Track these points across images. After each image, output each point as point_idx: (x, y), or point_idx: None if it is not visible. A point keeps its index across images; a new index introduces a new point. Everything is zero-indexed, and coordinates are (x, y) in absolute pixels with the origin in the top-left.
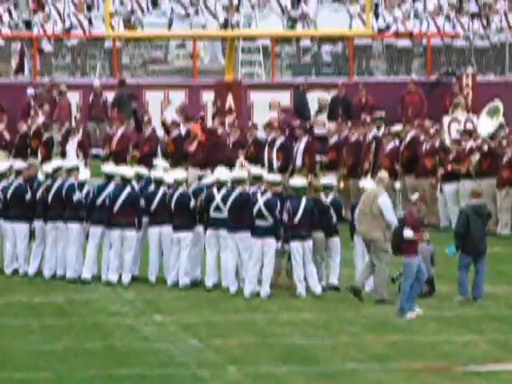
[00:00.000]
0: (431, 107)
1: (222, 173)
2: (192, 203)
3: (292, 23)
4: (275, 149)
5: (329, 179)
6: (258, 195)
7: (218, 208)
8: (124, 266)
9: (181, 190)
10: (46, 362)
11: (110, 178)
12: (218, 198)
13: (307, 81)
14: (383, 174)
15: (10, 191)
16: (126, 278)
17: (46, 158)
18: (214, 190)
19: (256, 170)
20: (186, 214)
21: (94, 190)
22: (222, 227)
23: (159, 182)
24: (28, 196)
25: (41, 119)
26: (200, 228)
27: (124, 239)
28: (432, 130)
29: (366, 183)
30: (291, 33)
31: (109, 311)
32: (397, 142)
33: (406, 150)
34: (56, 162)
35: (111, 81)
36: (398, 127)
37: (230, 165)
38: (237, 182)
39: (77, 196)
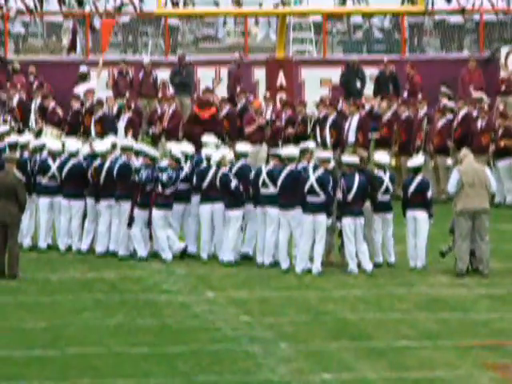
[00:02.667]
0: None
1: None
2: (233, 184)
3: (343, 0)
4: (327, 126)
5: (383, 157)
6: (310, 171)
7: (264, 184)
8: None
9: (223, 169)
10: (98, 337)
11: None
12: (264, 173)
13: (359, 58)
14: (466, 151)
15: (66, 169)
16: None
17: (101, 135)
18: (263, 165)
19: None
20: (228, 193)
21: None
22: (269, 203)
23: (210, 160)
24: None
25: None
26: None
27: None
28: (485, 106)
29: (417, 161)
30: (342, 9)
31: (161, 288)
32: (449, 118)
33: (460, 127)
34: (109, 140)
35: (162, 58)
36: (449, 103)
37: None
38: (289, 159)
39: (141, 176)
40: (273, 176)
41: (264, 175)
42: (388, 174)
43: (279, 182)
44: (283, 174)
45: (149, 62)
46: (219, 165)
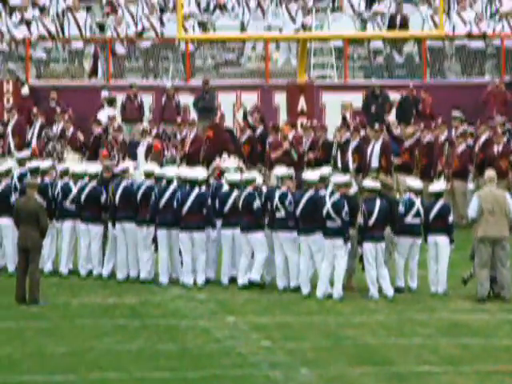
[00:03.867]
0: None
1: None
2: (256, 204)
3: (364, 25)
4: (350, 150)
5: (415, 182)
6: (327, 197)
7: (277, 208)
8: (197, 268)
9: (249, 189)
10: (119, 363)
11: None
12: (275, 198)
13: (379, 83)
14: (491, 172)
15: (84, 193)
16: (200, 280)
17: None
18: (277, 190)
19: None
20: (252, 213)
21: (156, 192)
22: (281, 228)
23: (233, 185)
24: (103, 198)
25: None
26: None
27: (194, 241)
28: (500, 130)
29: (438, 186)
30: (363, 34)
31: (182, 313)
32: (469, 143)
33: (481, 152)
34: (126, 164)
35: (183, 83)
36: (471, 128)
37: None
38: (309, 184)
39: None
40: (284, 200)
41: (276, 199)
42: (419, 198)
43: (299, 207)
44: (304, 199)
45: (171, 86)
46: (243, 185)
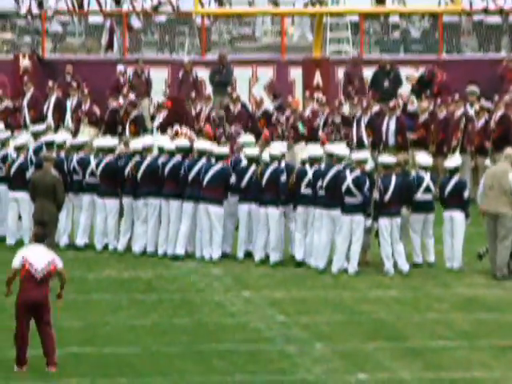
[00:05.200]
0: None
1: (315, 149)
2: (283, 177)
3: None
4: (363, 125)
5: (425, 158)
6: (347, 172)
7: (309, 184)
8: (213, 242)
9: (274, 165)
10: (134, 337)
11: (201, 154)
12: (310, 174)
13: (395, 58)
14: (510, 150)
15: (101, 167)
16: (216, 254)
17: (135, 134)
18: (307, 166)
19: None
20: (276, 189)
21: (185, 166)
22: (313, 204)
23: (251, 160)
24: (122, 172)
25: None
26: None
27: (210, 215)
28: None
29: (454, 161)
30: (379, 9)
31: (197, 287)
32: (486, 118)
33: (497, 127)
34: (145, 139)
35: (198, 58)
36: (487, 103)
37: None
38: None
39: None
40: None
41: (310, 176)
42: (429, 174)
43: (325, 183)
44: (329, 174)
45: (188, 61)
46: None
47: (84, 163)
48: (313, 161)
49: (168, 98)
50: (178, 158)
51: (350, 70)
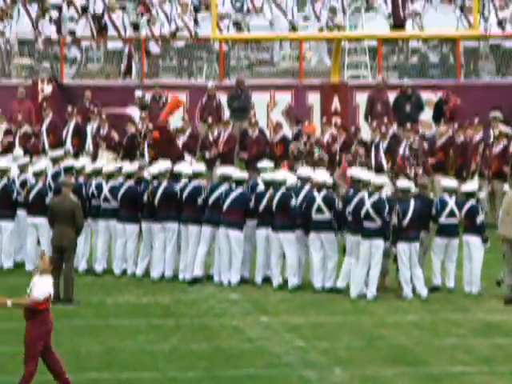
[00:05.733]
0: None
1: (322, 175)
2: (293, 202)
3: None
4: (381, 150)
5: (450, 181)
6: (365, 197)
7: (319, 210)
8: (232, 267)
9: (283, 189)
10: (152, 362)
11: (225, 179)
12: (319, 199)
13: (414, 82)
14: None
15: (121, 192)
16: (235, 279)
17: (154, 159)
18: (315, 191)
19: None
20: (286, 214)
21: (207, 189)
22: (324, 229)
23: (268, 184)
24: (141, 197)
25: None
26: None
27: (230, 239)
28: None
29: (471, 186)
30: (397, 34)
31: (215, 312)
32: (505, 143)
33: None
34: (162, 164)
35: (217, 83)
36: (507, 128)
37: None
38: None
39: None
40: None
41: (319, 201)
42: (454, 198)
43: (351, 207)
44: (355, 200)
45: (212, 85)
46: (278, 185)
47: (98, 188)
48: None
49: (155, 129)
50: (196, 182)
51: (374, 95)
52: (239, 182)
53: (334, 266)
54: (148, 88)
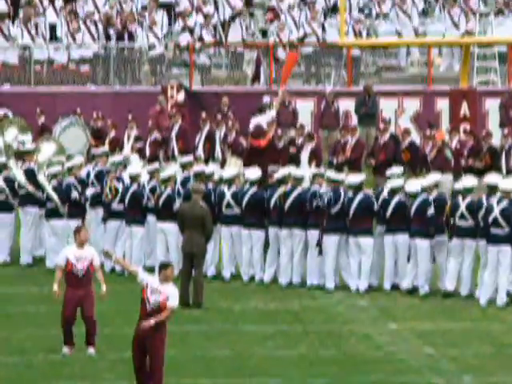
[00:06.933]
0: None
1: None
2: (430, 211)
3: None
4: None
5: None
6: (494, 203)
7: (462, 217)
8: (362, 273)
9: (421, 197)
10: (280, 368)
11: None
12: (463, 206)
13: None
14: None
15: (246, 198)
16: (363, 286)
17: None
18: (459, 198)
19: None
20: (421, 220)
21: (331, 197)
22: (467, 237)
23: (394, 191)
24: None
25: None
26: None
27: (359, 246)
28: None
29: None
30: None
31: (344, 318)
32: None
33: None
34: (287, 169)
35: (344, 89)
36: None
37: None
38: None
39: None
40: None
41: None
42: None
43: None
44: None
45: (331, 92)
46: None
47: (220, 195)
48: (465, 192)
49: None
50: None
51: (506, 102)
52: (358, 188)
53: (470, 272)
54: (275, 94)
